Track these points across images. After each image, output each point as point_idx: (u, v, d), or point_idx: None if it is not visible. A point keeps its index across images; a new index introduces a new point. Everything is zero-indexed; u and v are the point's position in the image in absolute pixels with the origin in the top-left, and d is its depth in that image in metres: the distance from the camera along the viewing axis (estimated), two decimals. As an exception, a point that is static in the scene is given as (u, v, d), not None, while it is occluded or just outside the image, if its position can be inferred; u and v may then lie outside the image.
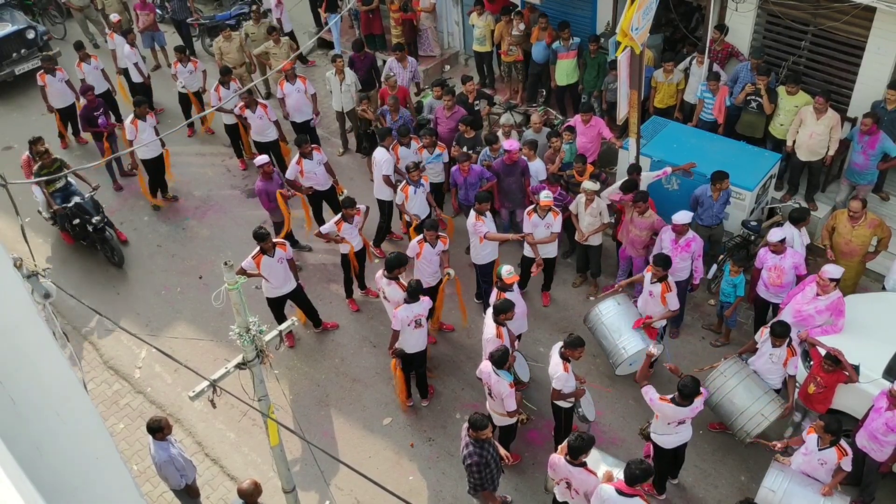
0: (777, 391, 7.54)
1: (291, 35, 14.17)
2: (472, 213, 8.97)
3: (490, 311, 7.76)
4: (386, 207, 10.38)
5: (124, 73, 13.31)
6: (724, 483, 7.84)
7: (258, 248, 8.59)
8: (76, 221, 10.56)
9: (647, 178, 9.38)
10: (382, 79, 12.00)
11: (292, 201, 10.14)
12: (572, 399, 7.40)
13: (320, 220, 10.47)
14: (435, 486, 8.07)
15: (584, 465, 6.39)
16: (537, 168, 9.85)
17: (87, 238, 10.78)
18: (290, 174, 10.16)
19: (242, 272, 8.33)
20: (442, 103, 10.96)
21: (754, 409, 7.36)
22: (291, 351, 9.54)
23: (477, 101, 11.37)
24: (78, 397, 3.67)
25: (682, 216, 8.37)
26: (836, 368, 7.12)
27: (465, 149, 10.15)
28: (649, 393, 6.94)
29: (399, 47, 12.34)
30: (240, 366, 5.71)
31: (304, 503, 7.20)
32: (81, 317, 10.10)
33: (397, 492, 5.23)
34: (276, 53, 12.63)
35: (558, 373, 7.18)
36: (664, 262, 7.93)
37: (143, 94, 12.10)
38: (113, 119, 12.25)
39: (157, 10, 14.97)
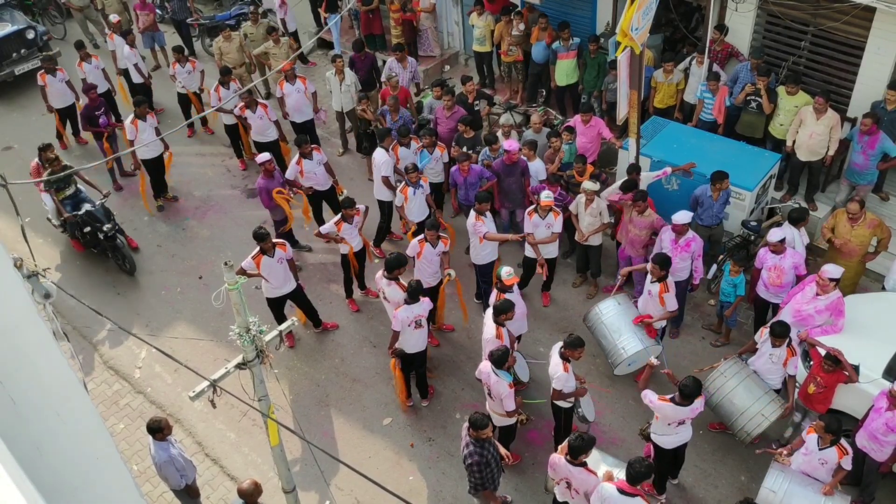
0: (777, 391, 7.54)
1: (295, 35, 14.19)
2: (472, 213, 8.97)
3: (490, 311, 7.76)
4: (386, 208, 10.38)
5: (124, 73, 13.31)
6: (724, 483, 7.84)
7: (258, 248, 8.59)
8: (87, 229, 10.43)
9: (646, 178, 9.38)
10: (383, 79, 12.00)
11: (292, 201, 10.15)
12: (572, 399, 7.41)
13: (320, 221, 10.47)
14: (435, 486, 8.08)
15: (584, 464, 6.39)
16: (537, 168, 9.85)
17: (98, 246, 10.67)
18: (289, 174, 10.16)
19: (242, 272, 8.33)
20: (442, 103, 10.96)
21: (754, 409, 7.36)
22: (291, 351, 9.54)
23: (477, 102, 11.37)
24: (78, 397, 3.68)
25: (682, 216, 8.38)
26: (836, 368, 7.12)
27: (464, 149, 10.15)
28: (648, 395, 6.95)
29: (399, 47, 12.34)
30: (240, 366, 5.72)
31: (304, 503, 7.21)
32: (86, 322, 10.08)
33: (397, 492, 5.23)
34: (276, 53, 12.63)
35: (558, 373, 7.18)
36: (664, 261, 7.93)
37: (143, 95, 12.10)
38: (113, 119, 12.24)
39: (157, 11, 14.97)
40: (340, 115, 12.36)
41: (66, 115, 12.92)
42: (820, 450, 6.65)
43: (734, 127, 10.39)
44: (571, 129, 10.14)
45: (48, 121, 13.16)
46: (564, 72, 11.72)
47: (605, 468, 6.74)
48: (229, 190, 12.25)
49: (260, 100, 11.70)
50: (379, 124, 11.14)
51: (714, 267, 9.31)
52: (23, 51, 14.57)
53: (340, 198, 9.69)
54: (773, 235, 8.16)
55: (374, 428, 8.66)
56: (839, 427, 6.60)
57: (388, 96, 11.18)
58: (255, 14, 13.39)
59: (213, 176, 12.57)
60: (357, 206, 9.24)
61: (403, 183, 9.68)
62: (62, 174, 10.12)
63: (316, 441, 8.10)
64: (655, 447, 7.22)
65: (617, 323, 8.36)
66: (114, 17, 13.37)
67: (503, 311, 7.59)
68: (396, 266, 8.21)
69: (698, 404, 6.81)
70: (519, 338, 8.55)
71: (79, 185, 10.78)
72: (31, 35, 14.62)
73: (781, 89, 9.83)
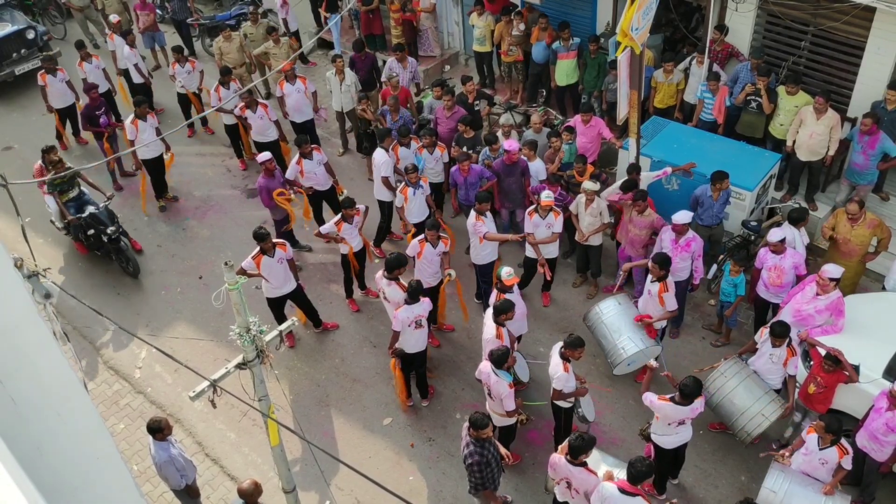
0: (777, 391, 7.54)
1: (297, 34, 14.19)
2: (473, 213, 8.97)
3: (490, 311, 7.76)
4: (386, 208, 10.38)
5: (124, 74, 13.32)
6: (724, 483, 7.84)
7: (258, 248, 8.59)
8: (91, 232, 10.38)
9: (646, 178, 9.38)
10: (384, 79, 12.00)
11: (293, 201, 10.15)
12: (572, 399, 7.41)
13: (320, 221, 10.47)
14: (435, 486, 8.08)
15: (584, 464, 6.39)
16: (537, 168, 9.85)
17: (102, 248, 10.63)
18: (290, 174, 10.16)
19: (242, 272, 8.33)
20: (442, 103, 10.96)
21: (755, 409, 7.36)
22: (292, 351, 9.54)
23: (477, 102, 11.37)
24: (78, 397, 3.68)
25: (682, 216, 8.37)
26: (836, 368, 7.12)
27: (464, 149, 10.15)
28: (649, 396, 6.96)
29: (399, 47, 12.34)
30: (240, 366, 5.72)
31: (304, 503, 7.21)
32: (86, 322, 10.08)
33: (397, 492, 5.23)
34: (276, 54, 12.63)
35: (558, 373, 7.18)
36: (664, 261, 7.93)
37: (143, 95, 12.10)
38: (114, 119, 12.24)
39: (158, 11, 14.98)
40: (340, 115, 12.36)
41: (65, 115, 12.91)
42: (820, 450, 6.65)
43: (734, 127, 10.39)
44: (571, 129, 10.14)
45: (48, 121, 13.16)
46: (564, 72, 11.72)
47: (605, 468, 6.74)
48: (229, 190, 12.25)
49: (260, 100, 11.70)
50: (379, 124, 11.14)
51: (714, 267, 9.31)
52: (23, 51, 14.57)
53: (340, 198, 9.69)
54: (774, 235, 8.16)
55: (374, 428, 8.66)
56: (839, 427, 6.60)
57: (388, 96, 11.18)
58: (255, 14, 13.40)
59: (213, 176, 12.57)
60: (357, 206, 9.24)
61: (403, 183, 9.68)
62: (64, 173, 10.11)
63: (316, 441, 8.10)
64: (656, 447, 7.22)
65: (617, 323, 8.36)
66: (114, 18, 13.37)
67: (503, 311, 7.59)
68: (396, 266, 8.21)
69: (698, 404, 6.81)
70: (519, 338, 8.55)
71: (82, 188, 10.73)
72: (31, 35, 14.62)
73: (781, 89, 9.83)
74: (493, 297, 8.02)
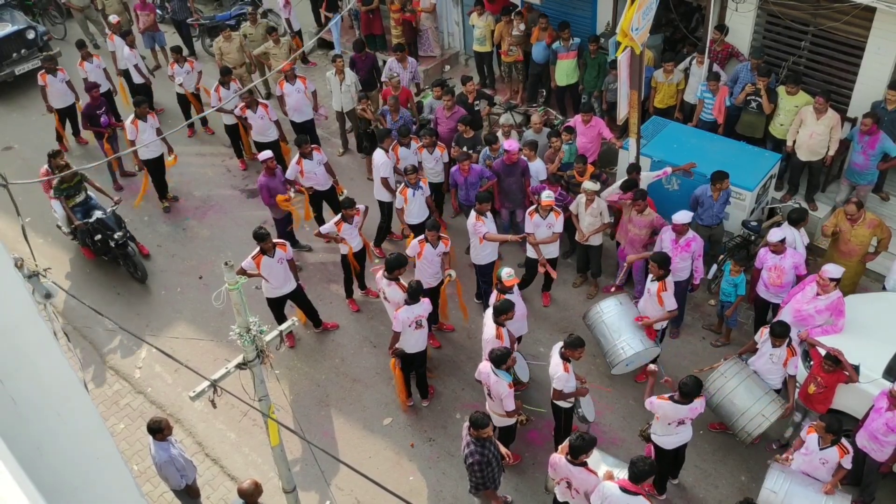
0: (777, 391, 7.54)
1: (299, 34, 14.19)
2: (473, 213, 8.96)
3: (490, 311, 7.76)
4: (386, 208, 10.38)
5: (125, 74, 13.31)
6: (724, 483, 7.84)
7: (258, 248, 8.59)
8: (98, 237, 10.32)
9: (647, 178, 9.38)
10: (384, 79, 12.00)
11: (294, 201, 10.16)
12: (572, 399, 7.40)
13: (320, 221, 10.47)
14: (435, 486, 8.07)
15: (584, 464, 6.39)
16: (537, 168, 9.85)
17: (109, 253, 10.56)
18: (290, 174, 10.16)
19: (242, 272, 8.33)
20: (442, 103, 10.96)
21: (755, 409, 7.36)
22: (292, 351, 9.54)
23: (477, 102, 11.37)
24: (78, 397, 3.68)
25: (682, 216, 8.38)
26: (836, 368, 7.12)
27: (464, 149, 10.15)
28: (649, 399, 6.95)
29: (399, 47, 12.35)
30: (240, 366, 5.72)
31: (304, 503, 7.21)
32: (86, 322, 10.08)
33: (398, 492, 5.24)
34: (276, 54, 12.63)
35: (559, 373, 7.18)
36: (663, 260, 7.93)
37: (143, 95, 12.09)
38: (114, 119, 12.23)
39: (158, 11, 14.98)
40: (340, 115, 12.36)
41: (65, 115, 12.90)
42: (820, 450, 6.65)
43: (734, 127, 10.39)
44: (571, 130, 10.14)
45: (48, 121, 13.16)
46: (565, 72, 11.72)
47: (605, 468, 6.74)
48: (229, 190, 12.25)
49: (260, 100, 11.71)
50: (379, 124, 11.14)
51: (714, 267, 9.31)
52: (23, 51, 14.57)
53: (340, 198, 9.69)
54: (774, 235, 8.16)
55: (374, 428, 8.66)
56: (839, 427, 6.60)
57: (389, 96, 11.18)
58: (254, 15, 13.39)
59: (213, 176, 12.57)
60: (357, 206, 9.24)
61: (403, 184, 9.68)
62: (65, 173, 10.09)
63: (316, 441, 8.10)
64: (656, 447, 7.22)
65: (617, 323, 8.35)
66: (113, 18, 13.36)
67: (503, 312, 7.59)
68: (396, 266, 8.20)
69: (698, 404, 6.81)
70: (519, 339, 8.54)
71: (89, 193, 10.68)
72: (31, 35, 14.62)
73: (781, 89, 9.83)
74: (494, 297, 8.02)
